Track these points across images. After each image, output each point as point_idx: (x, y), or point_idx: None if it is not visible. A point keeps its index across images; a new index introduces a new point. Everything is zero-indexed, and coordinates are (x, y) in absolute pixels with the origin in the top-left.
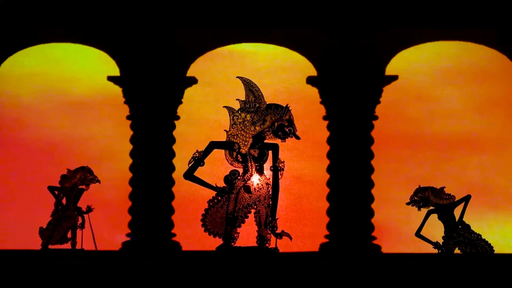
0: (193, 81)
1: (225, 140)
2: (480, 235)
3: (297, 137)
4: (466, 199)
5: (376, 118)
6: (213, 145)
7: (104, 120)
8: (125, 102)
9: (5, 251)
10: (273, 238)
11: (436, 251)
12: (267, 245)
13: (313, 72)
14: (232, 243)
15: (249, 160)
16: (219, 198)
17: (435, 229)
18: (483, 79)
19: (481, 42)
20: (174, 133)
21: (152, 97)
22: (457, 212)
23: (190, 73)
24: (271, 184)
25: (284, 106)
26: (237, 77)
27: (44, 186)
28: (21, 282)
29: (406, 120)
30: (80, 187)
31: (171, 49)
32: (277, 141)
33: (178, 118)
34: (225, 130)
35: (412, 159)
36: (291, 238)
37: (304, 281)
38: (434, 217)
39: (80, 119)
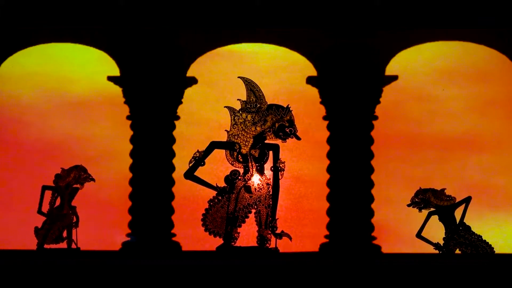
0: (193, 81)
1: (225, 140)
2: (481, 236)
3: (298, 138)
4: (467, 200)
5: (376, 118)
6: (214, 145)
7: (104, 120)
8: (125, 102)
9: (5, 251)
10: (273, 238)
11: (436, 251)
12: (268, 245)
13: (313, 72)
14: (233, 243)
15: (250, 160)
16: (220, 198)
17: (436, 230)
18: (483, 79)
19: (481, 42)
20: (174, 133)
21: (152, 97)
22: (457, 213)
23: (190, 73)
24: (271, 184)
25: (285, 106)
26: (238, 77)
27: (42, 185)
28: (21, 282)
29: (406, 120)
30: (75, 186)
31: (171, 49)
32: (278, 141)
33: (178, 118)
34: (226, 130)
35: (412, 159)
36: (290, 239)
37: (304, 281)
38: (434, 218)
39: (80, 119)
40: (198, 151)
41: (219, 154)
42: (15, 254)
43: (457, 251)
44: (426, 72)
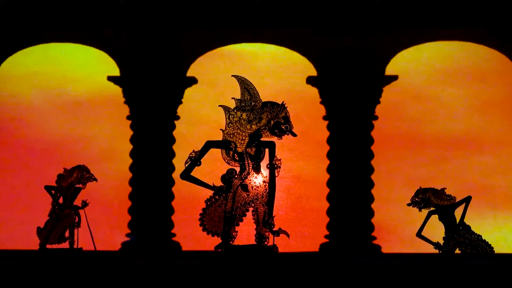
0: (193, 81)
1: (221, 139)
2: (481, 236)
3: (294, 134)
4: (467, 200)
5: (376, 118)
6: (209, 145)
7: (104, 120)
8: (125, 102)
9: (5, 251)
10: (271, 235)
11: (436, 251)
12: (266, 243)
13: (313, 72)
14: (231, 242)
15: (246, 158)
16: (217, 197)
17: (436, 230)
18: (483, 79)
19: (481, 42)
20: (174, 133)
21: (152, 97)
22: (457, 213)
23: (190, 73)
24: (268, 181)
25: (280, 103)
26: (232, 75)
27: (44, 185)
28: (22, 282)
29: (406, 120)
30: (77, 186)
31: (171, 49)
32: (274, 138)
33: (178, 118)
34: (221, 129)
35: (412, 159)
36: (288, 236)
37: (304, 281)
38: (434, 217)
39: (80, 119)
40: (194, 151)
41: (215, 153)
42: (15, 254)
43: (457, 251)
44: (426, 72)
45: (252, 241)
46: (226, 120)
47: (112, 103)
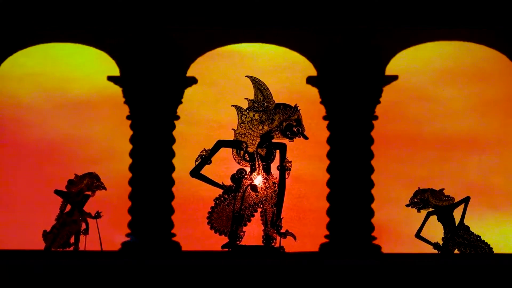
0: (193, 81)
1: (232, 138)
2: (480, 236)
3: (305, 137)
4: (466, 200)
5: (376, 118)
6: (220, 144)
7: (104, 120)
8: (125, 102)
9: (5, 251)
10: (278, 237)
11: (436, 251)
12: (273, 244)
13: (313, 72)
14: (238, 242)
15: (257, 159)
16: (226, 196)
17: (435, 230)
18: (483, 79)
19: (481, 42)
20: (174, 133)
21: (152, 97)
22: (456, 213)
23: (190, 73)
24: (277, 183)
25: (293, 106)
26: (246, 76)
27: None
28: (22, 282)
29: (406, 120)
30: (86, 193)
31: (171, 49)
32: (285, 140)
33: (178, 118)
34: (233, 129)
35: (412, 159)
36: (295, 238)
37: (304, 280)
38: (433, 218)
39: (80, 119)
40: (204, 149)
41: (225, 153)
42: (15, 254)
43: (456, 251)
44: (426, 72)
45: (258, 241)
46: (238, 120)
47: (112, 103)
